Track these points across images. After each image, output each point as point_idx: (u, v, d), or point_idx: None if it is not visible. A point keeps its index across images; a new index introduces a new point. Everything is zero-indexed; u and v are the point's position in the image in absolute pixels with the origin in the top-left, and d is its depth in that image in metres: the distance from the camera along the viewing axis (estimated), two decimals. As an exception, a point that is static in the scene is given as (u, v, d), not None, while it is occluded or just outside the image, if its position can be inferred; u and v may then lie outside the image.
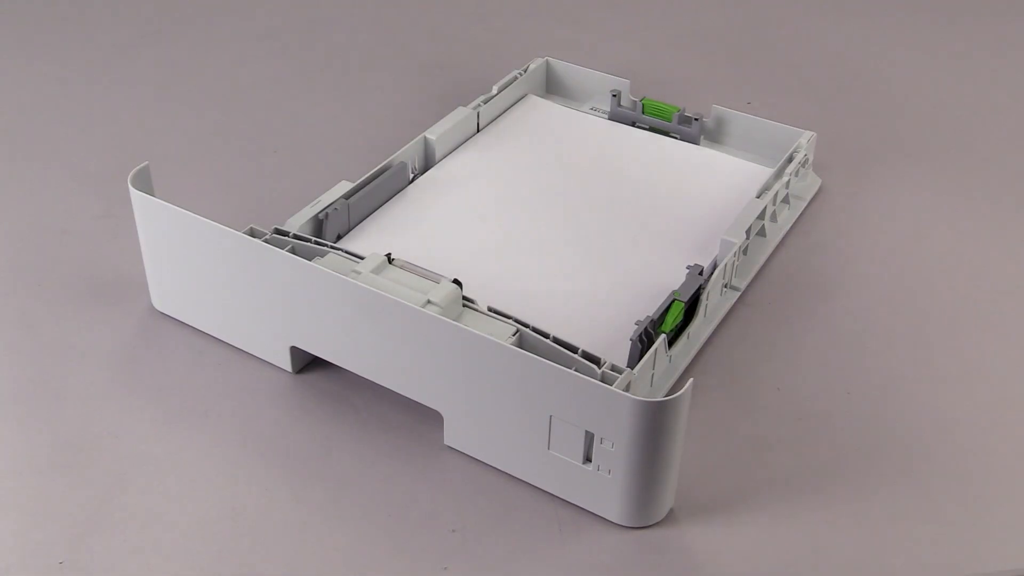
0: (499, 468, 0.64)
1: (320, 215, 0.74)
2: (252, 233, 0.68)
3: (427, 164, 0.86)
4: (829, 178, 0.91)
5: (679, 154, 0.89)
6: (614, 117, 0.93)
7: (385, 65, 1.07)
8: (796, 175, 0.86)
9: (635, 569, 0.59)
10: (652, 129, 0.92)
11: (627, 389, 0.61)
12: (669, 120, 0.91)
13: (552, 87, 0.98)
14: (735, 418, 0.69)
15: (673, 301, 0.69)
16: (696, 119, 0.90)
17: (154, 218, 0.70)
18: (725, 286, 0.77)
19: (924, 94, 1.05)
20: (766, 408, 0.69)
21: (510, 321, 0.64)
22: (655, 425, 0.57)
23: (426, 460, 0.65)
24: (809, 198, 0.88)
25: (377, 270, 0.66)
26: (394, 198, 0.82)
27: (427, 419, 0.66)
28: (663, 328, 0.68)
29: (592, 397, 0.57)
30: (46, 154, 0.92)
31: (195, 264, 0.70)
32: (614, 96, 0.92)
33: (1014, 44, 1.15)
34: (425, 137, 0.85)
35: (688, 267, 0.73)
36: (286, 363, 0.70)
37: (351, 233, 0.78)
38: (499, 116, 0.93)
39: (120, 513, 0.61)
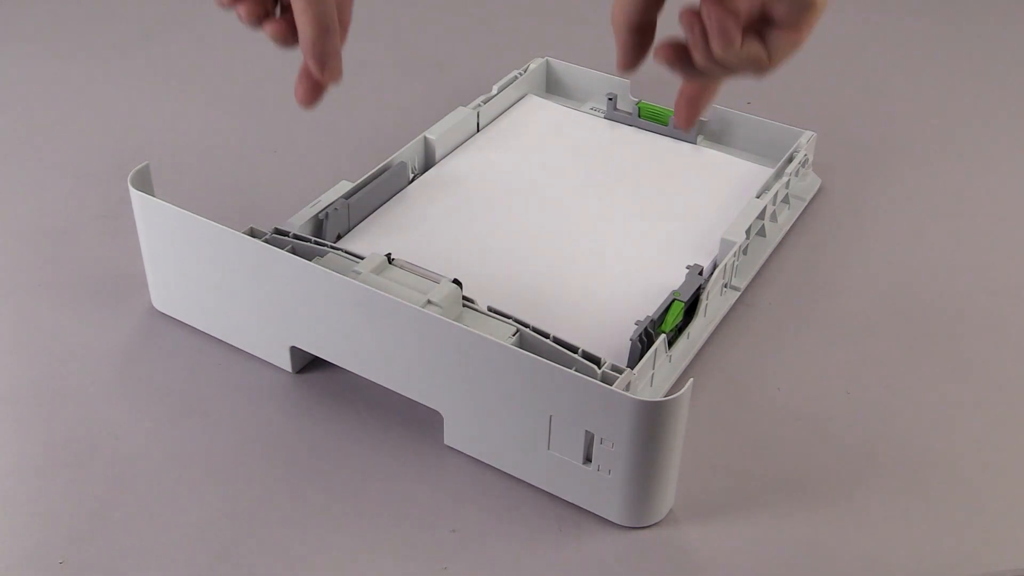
0: (499, 468, 0.64)
1: (320, 215, 0.74)
2: (252, 233, 0.68)
3: (427, 164, 0.86)
4: (829, 178, 0.91)
5: (679, 154, 0.89)
6: (610, 120, 0.93)
7: (385, 65, 1.07)
8: (796, 175, 0.86)
9: (635, 569, 0.59)
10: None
11: (627, 389, 0.61)
12: (665, 123, 0.91)
13: (552, 87, 0.98)
14: (735, 418, 0.69)
15: (673, 301, 0.69)
16: None
17: (154, 218, 0.70)
18: (725, 286, 0.77)
19: (924, 94, 1.05)
20: (766, 408, 0.69)
21: (510, 321, 0.64)
22: (655, 425, 0.57)
23: (426, 460, 0.65)
24: (809, 198, 0.88)
25: (377, 270, 0.66)
26: (394, 198, 0.82)
27: (427, 419, 0.66)
28: (663, 328, 0.68)
29: (592, 397, 0.57)
30: (46, 154, 0.92)
31: (195, 264, 0.70)
32: (610, 100, 0.92)
33: (1013, 44, 1.15)
34: (425, 137, 0.85)
35: (688, 267, 0.73)
36: (286, 363, 0.70)
37: (351, 233, 0.78)
38: (499, 116, 0.93)
39: (120, 513, 0.61)
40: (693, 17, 0.50)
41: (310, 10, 0.59)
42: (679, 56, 0.51)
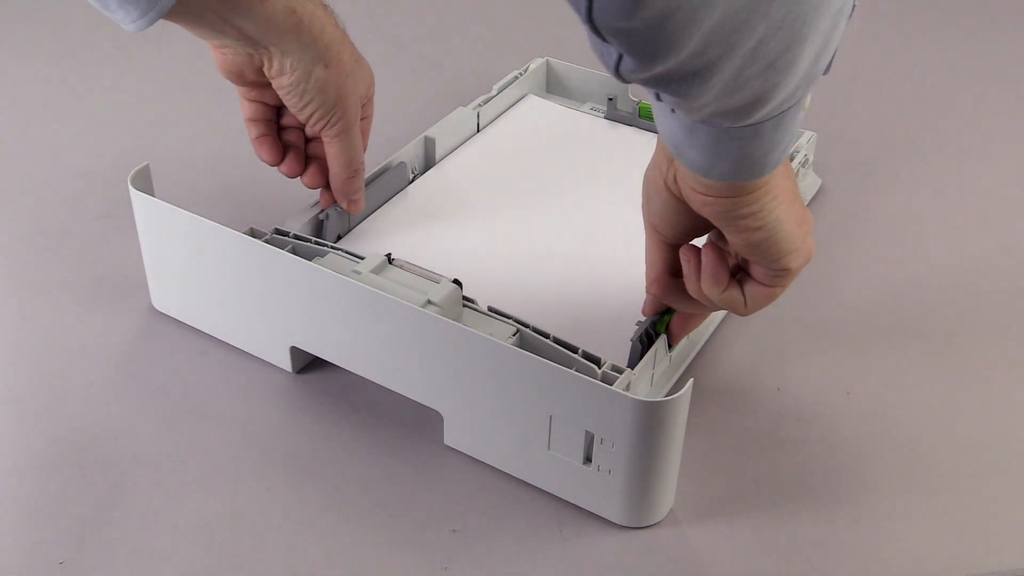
0: (499, 468, 0.64)
1: (320, 215, 0.74)
2: (252, 233, 0.68)
3: (427, 164, 0.86)
4: (829, 178, 0.91)
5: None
6: (610, 120, 0.93)
7: (385, 65, 1.07)
8: (796, 175, 0.85)
9: (635, 569, 0.59)
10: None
11: (627, 389, 0.61)
12: None
13: (552, 87, 0.98)
14: (735, 418, 0.69)
15: (673, 301, 0.69)
16: None
17: (154, 218, 0.70)
18: (725, 286, 0.77)
19: (924, 94, 1.05)
20: (766, 408, 0.69)
21: (510, 321, 0.64)
22: (655, 425, 0.57)
23: (426, 460, 0.65)
24: (809, 198, 0.88)
25: (377, 270, 0.66)
26: (394, 198, 0.82)
27: (427, 419, 0.66)
28: (663, 328, 0.68)
29: (592, 397, 0.57)
30: (46, 154, 0.92)
31: (195, 264, 0.70)
32: (610, 100, 0.92)
33: (1014, 43, 1.15)
34: (425, 137, 0.85)
35: (688, 267, 0.73)
36: (286, 363, 0.70)
37: (351, 233, 0.78)
38: (499, 116, 0.93)
39: (120, 513, 0.61)
40: (692, 253, 0.60)
41: (343, 156, 0.71)
42: (669, 290, 0.62)
